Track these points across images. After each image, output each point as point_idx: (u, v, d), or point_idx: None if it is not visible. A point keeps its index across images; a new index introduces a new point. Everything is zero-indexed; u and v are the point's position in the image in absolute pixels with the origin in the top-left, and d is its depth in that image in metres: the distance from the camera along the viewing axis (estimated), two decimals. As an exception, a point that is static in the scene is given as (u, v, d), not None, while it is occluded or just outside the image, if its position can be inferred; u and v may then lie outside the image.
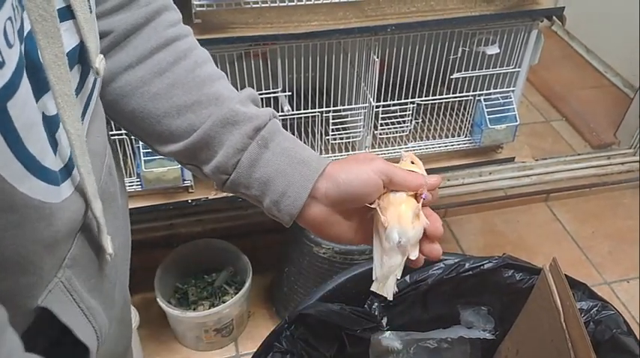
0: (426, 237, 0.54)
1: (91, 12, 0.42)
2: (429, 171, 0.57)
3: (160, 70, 0.53)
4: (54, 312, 0.41)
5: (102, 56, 0.43)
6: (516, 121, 1.37)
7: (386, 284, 0.55)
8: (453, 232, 2.00)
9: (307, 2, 1.09)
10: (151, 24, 0.53)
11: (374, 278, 0.56)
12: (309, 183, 0.53)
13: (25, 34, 0.34)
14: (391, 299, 0.57)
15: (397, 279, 0.56)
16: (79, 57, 0.42)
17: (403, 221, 0.52)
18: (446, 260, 0.97)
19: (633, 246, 1.97)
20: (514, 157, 1.49)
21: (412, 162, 0.59)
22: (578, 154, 2.22)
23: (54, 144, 0.38)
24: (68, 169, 0.40)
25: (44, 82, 0.36)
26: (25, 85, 0.34)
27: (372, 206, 0.54)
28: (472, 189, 2.06)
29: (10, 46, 0.31)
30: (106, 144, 0.50)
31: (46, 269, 0.40)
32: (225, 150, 0.52)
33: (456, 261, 0.96)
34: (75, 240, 0.42)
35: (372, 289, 0.56)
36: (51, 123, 0.38)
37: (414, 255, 0.54)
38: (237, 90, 0.56)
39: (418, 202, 0.53)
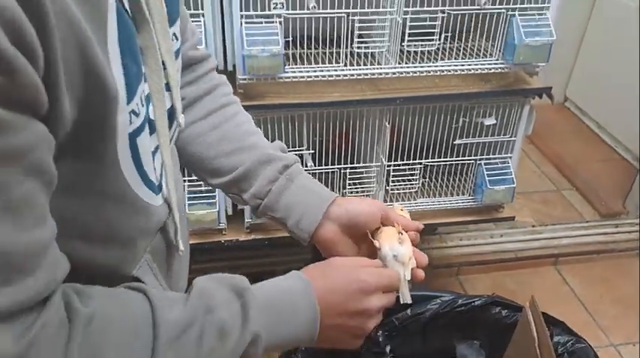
0: (415, 266, 0.74)
1: (178, 86, 0.68)
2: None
3: (213, 126, 0.78)
4: (142, 280, 0.63)
5: (183, 115, 0.68)
6: (513, 184, 1.60)
7: (402, 293, 0.73)
8: (465, 290, 2.18)
9: (329, 78, 1.37)
10: (211, 94, 0.79)
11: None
12: (323, 208, 0.74)
13: (145, 97, 0.60)
14: (410, 302, 0.74)
15: (410, 288, 0.73)
16: (170, 114, 0.67)
17: (392, 241, 0.74)
18: (442, 296, 1.17)
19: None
20: (514, 217, 1.71)
21: (402, 210, 0.81)
22: (587, 221, 2.40)
23: (154, 167, 0.63)
24: (160, 186, 0.65)
25: (153, 128, 0.61)
26: (146, 128, 0.59)
27: (374, 237, 0.74)
28: (484, 249, 2.25)
29: (142, 104, 0.56)
30: (180, 177, 0.75)
31: (139, 250, 0.63)
32: (260, 182, 0.75)
33: (451, 297, 1.16)
34: (156, 234, 0.66)
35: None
36: (154, 154, 0.63)
37: (408, 272, 0.74)
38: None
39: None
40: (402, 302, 0.72)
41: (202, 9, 1.25)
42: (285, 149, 0.79)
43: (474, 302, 1.15)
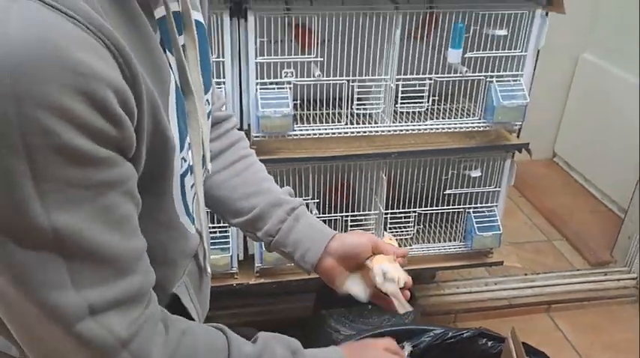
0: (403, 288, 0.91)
1: (208, 140, 0.86)
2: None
3: (236, 173, 0.96)
4: (180, 298, 0.80)
5: (210, 163, 0.86)
6: (500, 230, 1.78)
7: (401, 304, 0.89)
8: (461, 336, 2.31)
9: (332, 135, 1.59)
10: (232, 147, 0.98)
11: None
12: (324, 242, 0.91)
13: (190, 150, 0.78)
14: (411, 309, 0.91)
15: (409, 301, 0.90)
16: (202, 162, 0.86)
17: (381, 262, 0.91)
18: (434, 330, 1.34)
19: (630, 357, 2.24)
20: (502, 261, 1.88)
21: (390, 239, 1.00)
22: (577, 270, 2.56)
23: (193, 203, 0.80)
24: (194, 218, 0.81)
25: (191, 170, 0.78)
26: (189, 173, 0.76)
27: (366, 262, 0.91)
28: (479, 297, 2.41)
29: (188, 152, 0.75)
30: (206, 213, 0.92)
31: (179, 270, 0.79)
32: (272, 222, 0.91)
33: (442, 330, 1.33)
34: (191, 260, 0.83)
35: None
36: (193, 192, 0.81)
37: (399, 283, 0.89)
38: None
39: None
40: (401, 312, 0.88)
41: (224, 77, 1.48)
42: (292, 193, 0.96)
43: (462, 334, 1.31)
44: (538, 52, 2.95)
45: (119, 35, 0.51)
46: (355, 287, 0.92)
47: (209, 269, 0.85)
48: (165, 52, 0.63)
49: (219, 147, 0.95)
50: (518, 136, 3.08)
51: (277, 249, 0.92)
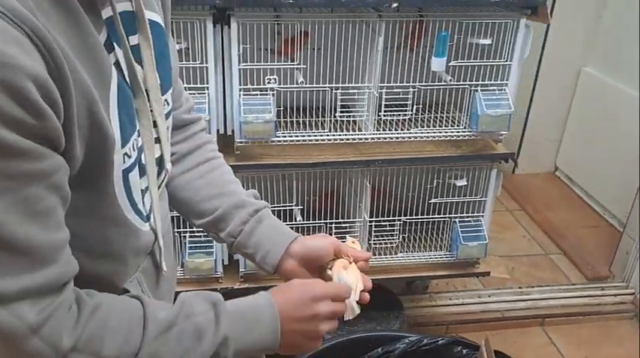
0: (363, 290, 0.89)
1: (167, 140, 0.88)
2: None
3: (200, 175, 0.97)
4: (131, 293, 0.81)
5: (170, 163, 0.86)
6: (486, 240, 1.78)
7: (351, 311, 0.87)
8: (453, 348, 2.30)
9: (316, 142, 1.60)
10: (199, 149, 0.99)
11: None
12: (285, 245, 0.91)
13: (138, 146, 0.76)
14: (351, 318, 0.84)
15: (359, 305, 0.88)
16: (159, 161, 0.87)
17: (340, 270, 0.90)
18: (410, 337, 1.35)
19: (624, 372, 2.21)
20: (489, 272, 1.88)
21: (353, 242, 0.98)
22: (573, 284, 2.54)
23: (143, 201, 0.79)
24: (148, 216, 0.81)
25: (144, 170, 0.79)
26: (136, 169, 0.75)
27: (327, 266, 0.91)
28: (472, 309, 2.40)
29: (134, 150, 0.74)
30: (167, 213, 0.93)
31: (130, 267, 0.79)
32: (235, 223, 0.92)
33: (417, 337, 1.34)
34: (146, 257, 0.83)
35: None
36: (144, 190, 0.80)
37: (353, 296, 0.88)
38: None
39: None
40: (345, 318, 0.86)
41: (208, 83, 1.51)
42: (257, 196, 0.97)
43: (437, 341, 1.32)
44: (539, 65, 2.98)
45: (56, 31, 0.54)
46: None
47: (165, 267, 0.85)
48: (113, 49, 0.66)
49: (186, 149, 0.97)
50: (519, 150, 3.10)
51: (239, 250, 0.93)
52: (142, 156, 0.73)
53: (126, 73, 0.68)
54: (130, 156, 0.69)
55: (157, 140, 0.78)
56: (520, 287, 2.52)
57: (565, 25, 2.86)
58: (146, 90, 0.72)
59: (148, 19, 0.72)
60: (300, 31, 1.48)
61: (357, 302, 0.88)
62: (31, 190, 0.53)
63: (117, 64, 0.66)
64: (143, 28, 0.71)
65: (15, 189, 0.52)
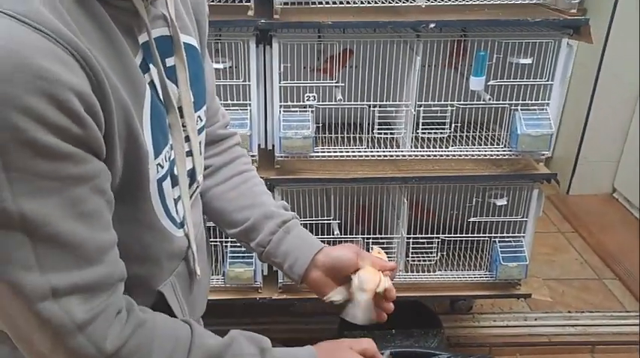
0: (386, 298, 0.89)
1: (200, 154, 0.93)
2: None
3: (233, 186, 1.01)
4: (166, 296, 0.85)
5: (202, 176, 0.91)
6: (526, 261, 1.75)
7: (353, 313, 0.89)
8: (496, 370, 2.26)
9: (354, 158, 1.64)
10: (233, 163, 1.04)
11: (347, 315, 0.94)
12: (311, 254, 0.95)
13: (170, 159, 0.82)
14: (357, 322, 0.90)
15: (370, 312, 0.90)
16: (191, 173, 0.90)
17: (360, 273, 0.90)
18: (440, 355, 1.35)
19: (678, 406, 2.10)
20: (530, 294, 1.84)
21: (379, 253, 1.01)
22: (627, 311, 2.44)
23: (176, 208, 0.85)
24: (182, 223, 0.87)
25: (176, 181, 0.84)
26: (168, 179, 0.80)
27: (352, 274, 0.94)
28: (517, 332, 2.34)
29: (166, 161, 0.80)
30: (201, 221, 0.98)
31: (165, 270, 0.84)
32: (264, 233, 0.96)
33: (447, 356, 1.34)
34: (180, 262, 0.88)
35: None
36: (177, 199, 0.86)
37: (365, 296, 0.89)
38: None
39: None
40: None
41: (250, 100, 1.58)
42: (287, 207, 1.01)
43: (468, 360, 1.31)
44: (595, 83, 2.90)
45: (97, 51, 0.60)
46: (337, 296, 0.92)
47: (199, 272, 0.90)
48: (148, 70, 0.72)
49: (221, 162, 1.02)
50: (573, 171, 3.01)
51: (268, 259, 0.97)
52: (175, 167, 0.79)
53: (160, 91, 0.74)
54: (162, 167, 0.75)
55: (190, 153, 0.84)
56: (569, 312, 2.44)
57: (623, 42, 2.78)
58: (180, 108, 0.78)
59: (184, 42, 0.78)
60: (344, 50, 1.52)
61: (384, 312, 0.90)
62: (77, 191, 0.58)
63: (151, 83, 0.72)
64: (179, 52, 0.76)
65: (62, 189, 0.57)
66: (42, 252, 0.57)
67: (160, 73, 0.73)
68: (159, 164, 0.73)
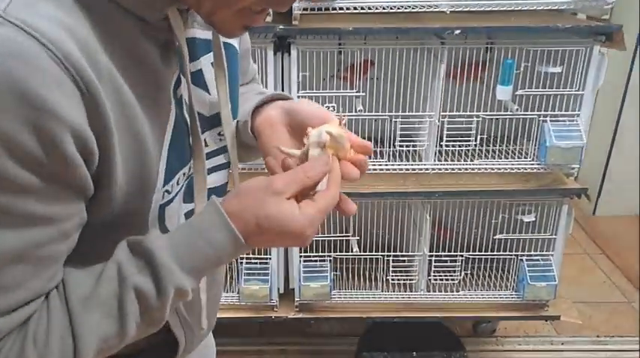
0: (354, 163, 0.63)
1: (236, 165, 0.83)
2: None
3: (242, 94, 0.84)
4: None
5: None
6: (555, 281, 1.64)
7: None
8: (521, 397, 2.12)
9: (374, 171, 1.55)
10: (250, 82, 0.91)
11: None
12: (269, 97, 0.72)
13: (186, 180, 0.67)
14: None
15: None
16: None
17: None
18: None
19: None
20: (559, 316, 1.72)
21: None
22: (659, 336, 2.29)
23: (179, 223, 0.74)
24: None
25: (191, 198, 0.72)
26: (175, 201, 0.65)
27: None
28: (542, 356, 2.21)
29: (177, 184, 0.70)
30: None
31: None
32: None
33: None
34: None
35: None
36: (188, 213, 0.73)
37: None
38: None
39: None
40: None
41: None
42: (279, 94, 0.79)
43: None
44: (624, 95, 2.77)
45: (120, 71, 0.52)
46: (291, 150, 0.64)
47: (203, 298, 0.76)
48: (180, 83, 0.63)
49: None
50: (599, 190, 2.89)
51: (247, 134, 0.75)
52: (176, 189, 0.68)
53: (186, 109, 0.65)
54: (170, 192, 0.66)
55: (224, 165, 0.74)
56: (598, 336, 2.30)
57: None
58: (215, 115, 0.70)
59: (223, 42, 0.69)
60: (364, 60, 1.45)
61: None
62: (34, 232, 0.50)
63: (179, 99, 0.64)
64: (219, 59, 0.68)
65: (17, 226, 0.49)
66: None
67: (189, 86, 0.63)
68: (166, 190, 0.64)
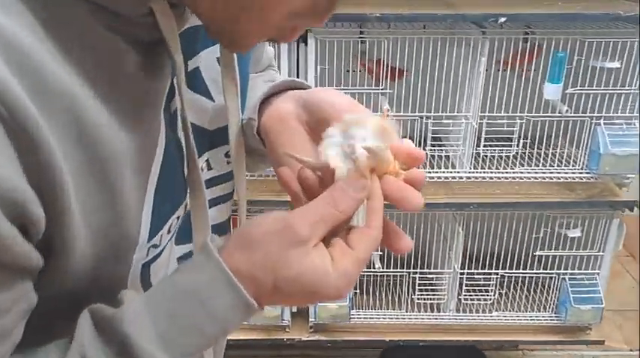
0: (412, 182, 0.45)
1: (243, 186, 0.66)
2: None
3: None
4: None
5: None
6: (602, 304, 1.46)
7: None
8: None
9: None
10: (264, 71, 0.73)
11: None
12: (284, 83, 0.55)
13: (182, 218, 0.54)
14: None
15: None
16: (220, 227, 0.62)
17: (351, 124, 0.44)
18: None
19: None
20: (604, 341, 1.54)
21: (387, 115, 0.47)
22: (698, 352, 2.11)
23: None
24: None
25: (189, 238, 0.54)
26: (164, 254, 0.52)
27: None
28: (572, 374, 2.04)
29: (168, 232, 0.52)
30: None
31: None
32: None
33: None
34: None
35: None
36: (183, 256, 0.56)
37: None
38: None
39: None
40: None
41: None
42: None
43: None
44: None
45: (85, 85, 0.37)
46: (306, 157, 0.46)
47: None
48: (173, 97, 0.47)
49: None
50: None
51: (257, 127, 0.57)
52: (165, 241, 0.53)
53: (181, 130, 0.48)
54: (157, 246, 0.50)
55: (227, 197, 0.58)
56: (631, 350, 2.12)
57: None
58: (217, 130, 0.54)
59: None
60: (392, 68, 1.26)
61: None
62: None
63: (171, 115, 0.48)
64: (228, 61, 0.51)
65: None
66: None
67: (182, 98, 0.46)
68: (153, 245, 0.49)
